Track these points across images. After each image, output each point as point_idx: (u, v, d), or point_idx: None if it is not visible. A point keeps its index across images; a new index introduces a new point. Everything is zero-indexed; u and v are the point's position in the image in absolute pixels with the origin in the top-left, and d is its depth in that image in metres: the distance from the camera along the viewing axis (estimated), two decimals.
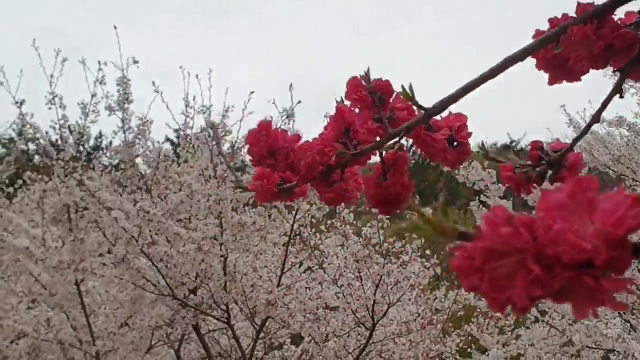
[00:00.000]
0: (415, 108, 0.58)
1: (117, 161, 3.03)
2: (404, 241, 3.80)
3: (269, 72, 29.00)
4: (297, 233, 3.48)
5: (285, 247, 3.36)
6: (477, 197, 3.40)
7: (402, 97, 0.57)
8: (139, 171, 2.98)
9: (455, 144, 0.60)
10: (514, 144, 13.78)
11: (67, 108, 3.06)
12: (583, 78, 0.61)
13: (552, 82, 0.61)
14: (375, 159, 0.59)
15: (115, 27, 3.03)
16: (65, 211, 2.95)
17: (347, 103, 0.58)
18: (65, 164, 2.94)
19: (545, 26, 0.60)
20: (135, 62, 2.93)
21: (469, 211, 3.74)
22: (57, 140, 3.09)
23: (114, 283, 2.98)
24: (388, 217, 3.92)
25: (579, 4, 0.56)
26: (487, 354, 3.99)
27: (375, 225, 3.68)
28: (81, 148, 3.12)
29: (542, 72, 0.61)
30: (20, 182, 3.95)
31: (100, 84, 2.99)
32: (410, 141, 0.59)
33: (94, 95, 3.05)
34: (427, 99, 0.59)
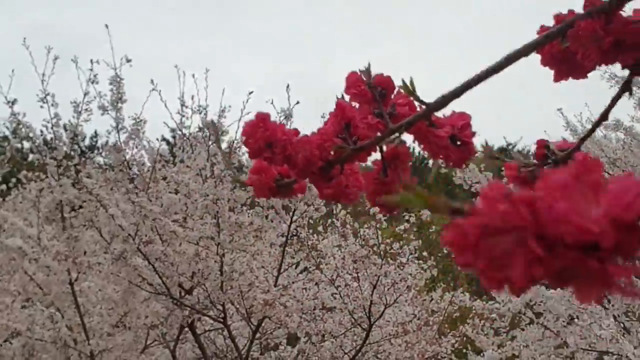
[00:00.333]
0: (416, 103, 0.57)
1: (112, 162, 3.00)
2: (401, 242, 3.80)
3: (270, 73, 28.98)
4: (294, 233, 3.48)
5: (282, 248, 3.36)
6: (474, 199, 3.39)
7: (402, 91, 0.56)
8: (130, 174, 2.95)
9: (459, 142, 0.58)
10: (510, 147, 13.81)
11: (60, 107, 3.04)
12: (580, 82, 0.60)
13: (557, 79, 0.59)
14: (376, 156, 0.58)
15: (107, 26, 3.01)
16: (58, 210, 2.93)
17: (347, 98, 0.57)
18: (59, 162, 2.92)
19: (550, 23, 0.59)
20: (128, 61, 2.90)
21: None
22: (50, 139, 3.07)
23: (109, 280, 2.97)
24: (386, 217, 3.92)
25: None
26: (482, 354, 3.98)
27: (373, 226, 3.69)
28: (75, 147, 3.10)
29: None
30: (14, 180, 3.93)
31: (92, 82, 2.96)
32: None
33: (86, 94, 3.02)
34: (431, 97, 0.58)
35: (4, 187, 3.93)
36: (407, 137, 0.58)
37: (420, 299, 4.07)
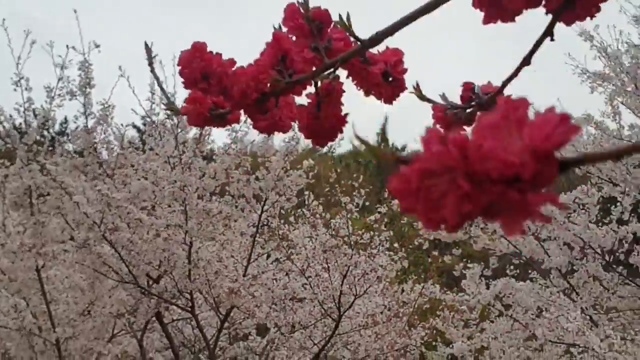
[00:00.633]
0: (352, 39, 0.58)
1: (80, 147, 2.97)
2: (372, 233, 3.82)
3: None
4: (265, 223, 3.47)
5: (252, 237, 3.35)
6: None
7: (339, 26, 0.58)
8: (99, 158, 2.93)
9: (391, 79, 0.60)
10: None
11: (33, 91, 3.00)
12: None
13: (486, 21, 0.61)
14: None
15: (75, 11, 3.00)
16: (27, 196, 2.89)
17: (284, 29, 0.57)
18: (29, 148, 2.88)
19: None
20: (97, 46, 2.89)
21: None
22: (20, 124, 3.03)
23: (74, 268, 2.93)
24: (356, 210, 3.94)
25: None
26: (451, 346, 4.02)
27: (344, 217, 3.70)
28: (45, 132, 3.06)
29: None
30: None
31: (62, 68, 2.93)
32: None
33: (60, 79, 2.99)
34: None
35: None
36: (342, 72, 0.60)
37: (390, 290, 4.09)
